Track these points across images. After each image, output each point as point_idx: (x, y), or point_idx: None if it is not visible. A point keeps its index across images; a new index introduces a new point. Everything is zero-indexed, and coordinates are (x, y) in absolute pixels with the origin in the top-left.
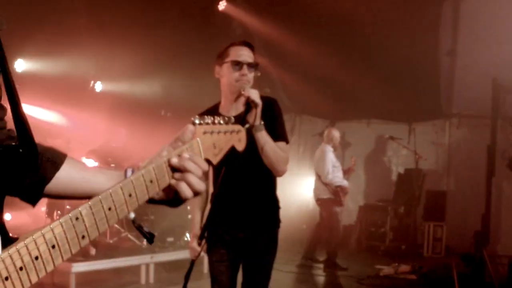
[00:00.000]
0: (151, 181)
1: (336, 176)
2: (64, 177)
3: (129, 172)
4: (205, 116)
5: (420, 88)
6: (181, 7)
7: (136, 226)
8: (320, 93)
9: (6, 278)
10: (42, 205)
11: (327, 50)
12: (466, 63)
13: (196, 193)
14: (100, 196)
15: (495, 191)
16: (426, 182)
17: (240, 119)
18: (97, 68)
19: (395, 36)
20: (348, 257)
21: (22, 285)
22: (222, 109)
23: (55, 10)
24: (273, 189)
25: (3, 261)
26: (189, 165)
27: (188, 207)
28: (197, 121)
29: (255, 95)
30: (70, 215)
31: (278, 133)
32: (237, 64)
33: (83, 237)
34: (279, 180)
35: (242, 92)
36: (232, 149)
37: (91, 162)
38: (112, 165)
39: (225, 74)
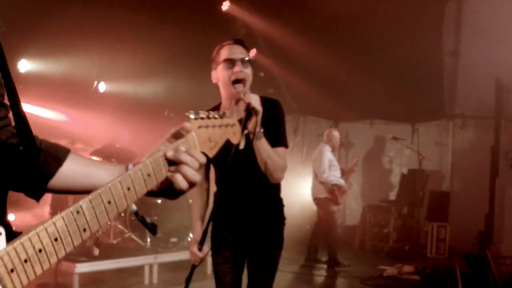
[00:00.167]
0: (148, 175)
1: (333, 175)
2: (67, 172)
3: (130, 168)
4: (200, 111)
5: (423, 89)
6: (184, 7)
7: (139, 218)
8: (324, 93)
9: (12, 270)
10: (46, 205)
11: (330, 51)
12: (469, 64)
13: (191, 184)
14: (99, 190)
15: (499, 191)
16: (429, 182)
17: (240, 125)
18: (101, 68)
19: (398, 36)
20: (351, 258)
21: (28, 277)
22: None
23: (58, 10)
24: (277, 189)
25: (8, 253)
26: (185, 158)
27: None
28: (192, 116)
29: (255, 101)
30: (71, 209)
31: (278, 138)
32: (230, 62)
33: (84, 230)
34: (283, 180)
35: (242, 97)
36: (236, 150)
37: None
38: None
39: (220, 76)
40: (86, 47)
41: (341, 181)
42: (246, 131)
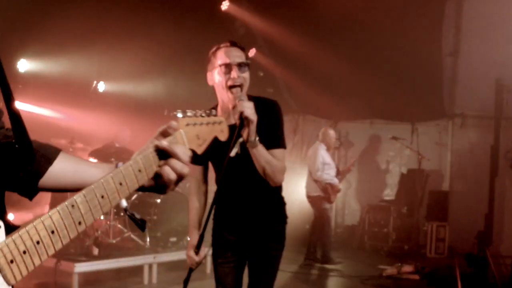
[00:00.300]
0: (139, 170)
1: (327, 174)
2: (58, 171)
3: (120, 166)
4: (187, 110)
5: (423, 88)
6: (184, 7)
7: (129, 214)
8: (324, 93)
9: (11, 261)
10: (46, 205)
11: (330, 50)
12: (469, 63)
13: (179, 176)
14: (93, 185)
15: (498, 191)
16: (429, 182)
17: (235, 132)
18: (100, 68)
19: (398, 36)
20: (351, 257)
21: (27, 267)
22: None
23: (58, 10)
24: (277, 187)
25: (7, 245)
26: (175, 149)
27: None
28: (179, 115)
29: (249, 110)
30: (66, 203)
31: (276, 139)
32: (227, 67)
33: (79, 223)
34: None
35: (237, 103)
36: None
37: None
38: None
39: (217, 80)
40: (86, 47)
41: (335, 180)
42: (240, 139)
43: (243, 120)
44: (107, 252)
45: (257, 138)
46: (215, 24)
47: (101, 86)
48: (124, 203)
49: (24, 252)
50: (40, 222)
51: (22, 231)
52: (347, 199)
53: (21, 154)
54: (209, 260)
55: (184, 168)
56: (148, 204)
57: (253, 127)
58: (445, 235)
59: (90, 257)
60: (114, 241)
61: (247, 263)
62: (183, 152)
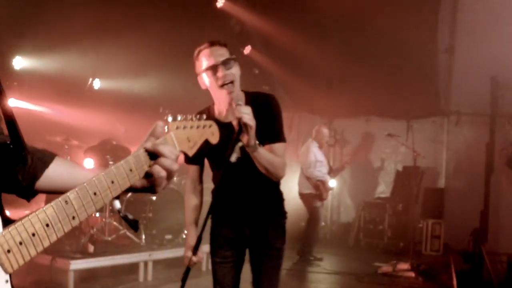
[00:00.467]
0: (130, 170)
1: (318, 171)
2: (53, 174)
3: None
4: (178, 115)
5: (419, 86)
6: (179, 4)
7: (122, 215)
8: (319, 90)
9: (8, 251)
10: (41, 202)
11: (325, 48)
12: (465, 61)
13: (169, 173)
14: (85, 183)
15: (494, 188)
16: (424, 179)
17: (234, 138)
18: (96, 65)
19: (393, 33)
20: (346, 255)
21: (23, 257)
22: (218, 115)
23: (53, 7)
24: (276, 184)
25: (3, 236)
26: (162, 149)
27: None
28: (170, 119)
29: (247, 116)
30: (59, 199)
31: (276, 134)
32: (213, 68)
33: (73, 217)
34: None
35: (234, 108)
36: (233, 149)
37: (89, 161)
38: (111, 162)
39: (207, 83)
40: (81, 44)
41: (327, 177)
42: (240, 144)
43: (242, 126)
44: (102, 249)
45: (257, 142)
46: (211, 21)
47: (97, 83)
48: (117, 205)
49: (21, 243)
50: (34, 216)
51: (17, 224)
52: (342, 197)
53: (15, 153)
54: (205, 258)
55: (173, 165)
56: (144, 201)
57: (252, 132)
58: (440, 232)
59: (85, 255)
60: (109, 239)
61: (248, 260)
62: (170, 151)
